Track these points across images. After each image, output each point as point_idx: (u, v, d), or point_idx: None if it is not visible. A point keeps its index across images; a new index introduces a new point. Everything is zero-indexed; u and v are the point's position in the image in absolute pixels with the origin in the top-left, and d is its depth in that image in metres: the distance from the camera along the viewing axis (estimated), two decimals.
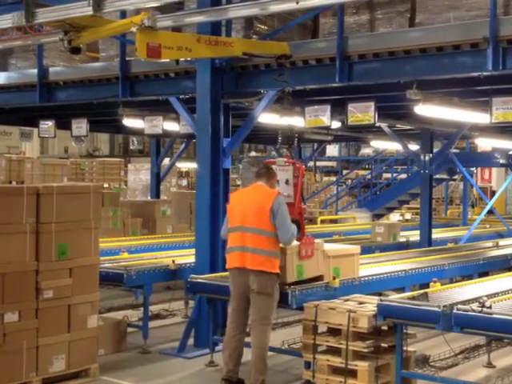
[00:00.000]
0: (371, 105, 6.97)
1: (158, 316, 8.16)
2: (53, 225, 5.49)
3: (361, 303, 5.62)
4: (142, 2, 5.97)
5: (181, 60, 7.38)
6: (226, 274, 6.84)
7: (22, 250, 5.28)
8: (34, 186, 5.69)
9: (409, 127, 10.67)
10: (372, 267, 7.24)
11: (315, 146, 16.93)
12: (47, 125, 10.12)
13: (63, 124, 10.41)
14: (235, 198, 5.94)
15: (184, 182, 23.83)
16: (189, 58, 6.90)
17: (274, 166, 6.13)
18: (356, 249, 6.56)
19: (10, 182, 14.37)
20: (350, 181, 22.58)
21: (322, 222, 13.41)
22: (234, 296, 5.70)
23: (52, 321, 5.47)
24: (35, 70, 8.81)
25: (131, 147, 26.51)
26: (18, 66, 9.33)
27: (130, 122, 10.18)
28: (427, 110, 7.23)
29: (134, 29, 5.68)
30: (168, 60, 7.42)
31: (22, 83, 9.17)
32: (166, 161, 14.30)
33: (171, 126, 10.01)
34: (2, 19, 6.75)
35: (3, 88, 9.38)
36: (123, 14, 7.22)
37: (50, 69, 8.72)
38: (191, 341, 6.94)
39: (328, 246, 6.40)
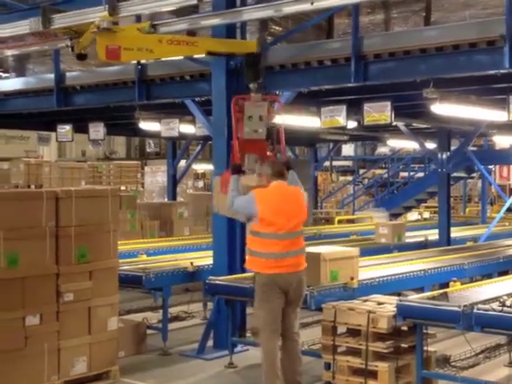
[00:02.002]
0: (387, 104, 6.95)
1: (177, 318, 8.18)
2: (72, 228, 5.53)
3: (380, 303, 5.60)
4: (157, 6, 6.03)
5: (195, 63, 7.45)
6: (245, 275, 6.87)
7: (42, 254, 5.33)
8: (53, 190, 5.73)
9: (426, 126, 10.62)
10: (390, 267, 7.21)
11: (331, 145, 16.90)
12: (65, 129, 10.20)
13: (80, 128, 10.49)
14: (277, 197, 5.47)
15: (200, 184, 23.88)
16: (151, 59, 6.85)
17: (247, 102, 5.99)
18: (355, 251, 6.42)
19: (29, 186, 14.47)
20: (366, 180, 22.50)
21: (339, 222, 13.37)
22: None
23: (73, 323, 5.51)
24: (52, 75, 8.89)
25: (148, 150, 26.62)
26: (35, 71, 9.42)
27: (146, 125, 10.24)
28: (444, 108, 7.20)
29: (94, 31, 5.70)
30: (183, 62, 7.53)
31: (40, 88, 9.25)
32: (182, 163, 14.34)
33: (187, 129, 10.05)
34: (20, 25, 6.84)
35: (21, 93, 9.47)
36: (138, 19, 7.26)
37: (67, 73, 8.79)
38: (210, 342, 6.96)
39: (325, 249, 6.37)
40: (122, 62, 7.53)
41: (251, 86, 6.18)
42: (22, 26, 6.78)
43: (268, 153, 6.10)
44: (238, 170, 5.67)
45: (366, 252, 8.54)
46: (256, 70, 6.26)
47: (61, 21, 6.55)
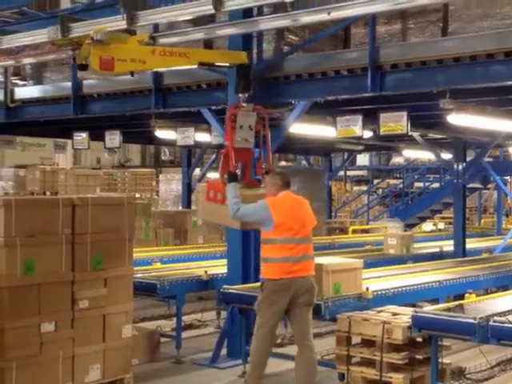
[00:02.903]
0: (404, 114, 6.94)
1: (190, 326, 8.22)
2: (88, 236, 5.55)
3: (395, 314, 5.58)
4: (175, 16, 6.06)
5: (212, 72, 7.48)
6: (259, 284, 6.87)
7: (58, 261, 5.35)
8: (69, 197, 5.75)
9: (441, 136, 10.59)
10: (405, 278, 7.18)
11: (345, 155, 16.88)
12: (81, 136, 10.26)
13: (96, 135, 10.55)
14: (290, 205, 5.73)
15: None
16: (143, 70, 6.92)
17: (239, 112, 6.14)
18: (358, 263, 6.38)
19: (44, 193, 14.57)
20: (380, 190, 22.43)
21: (354, 231, 13.34)
22: None
23: (87, 330, 5.52)
24: (69, 83, 8.96)
25: (163, 158, 26.69)
26: (52, 79, 9.49)
27: (162, 133, 10.28)
28: (460, 119, 7.18)
29: (88, 42, 5.79)
30: (200, 71, 7.56)
31: (57, 96, 9.33)
32: (197, 171, 14.38)
33: (203, 137, 10.08)
34: (38, 34, 6.89)
35: (39, 101, 9.55)
36: (156, 28, 7.31)
37: (84, 81, 8.84)
38: (224, 351, 6.95)
39: (328, 260, 6.35)
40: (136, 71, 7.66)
41: (241, 96, 6.33)
42: (41, 35, 6.84)
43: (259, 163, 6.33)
44: (235, 178, 5.85)
45: (380, 262, 8.53)
46: (246, 81, 6.38)
47: (79, 30, 6.59)
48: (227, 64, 6.56)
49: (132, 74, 6.50)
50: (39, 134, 13.23)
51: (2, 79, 10.22)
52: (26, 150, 23.50)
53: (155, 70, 7.04)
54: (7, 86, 9.66)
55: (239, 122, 6.11)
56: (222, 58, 6.61)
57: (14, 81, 10.04)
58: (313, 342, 5.52)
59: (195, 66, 7.36)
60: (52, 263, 5.31)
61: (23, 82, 10.17)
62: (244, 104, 6.26)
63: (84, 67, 6.16)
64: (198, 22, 6.61)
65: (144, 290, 6.85)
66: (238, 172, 6.10)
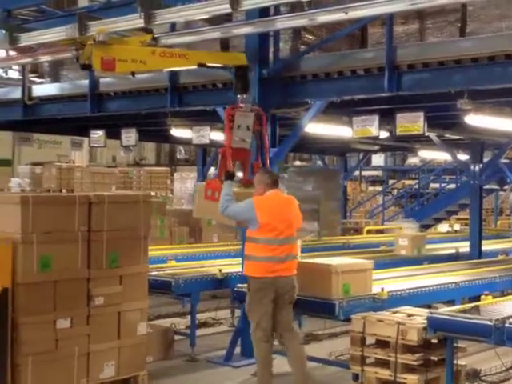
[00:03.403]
0: (420, 115, 6.91)
1: (204, 324, 8.24)
2: (104, 233, 5.57)
3: (409, 315, 5.56)
4: (192, 15, 6.08)
5: (228, 71, 7.48)
6: None
7: (74, 258, 5.37)
8: (86, 194, 5.78)
9: (458, 137, 10.52)
10: (420, 279, 7.15)
11: (360, 155, 16.83)
12: (98, 134, 10.30)
13: (112, 133, 10.59)
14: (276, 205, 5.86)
15: None
16: (143, 70, 6.93)
17: (237, 112, 6.27)
18: (368, 264, 6.35)
19: (60, 190, 14.65)
20: (396, 191, 22.34)
21: (368, 232, 13.30)
22: None
23: (102, 327, 5.54)
24: (86, 81, 9.00)
25: (178, 156, 26.78)
26: (69, 77, 9.55)
27: (178, 131, 10.30)
28: (478, 119, 7.14)
29: (90, 43, 5.92)
30: (215, 71, 7.58)
31: (74, 94, 9.38)
32: (212, 170, 14.38)
33: (218, 136, 10.08)
34: (56, 32, 6.93)
35: (56, 98, 9.61)
36: (173, 27, 7.33)
37: (101, 79, 8.88)
38: (238, 349, 6.95)
39: (337, 261, 6.33)
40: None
41: (239, 96, 6.43)
42: (59, 33, 6.88)
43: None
44: (231, 177, 6.01)
45: (395, 263, 8.50)
46: (244, 82, 6.48)
47: (96, 28, 6.63)
48: (228, 65, 6.67)
49: (133, 74, 6.63)
50: (56, 131, 13.30)
51: (20, 77, 10.30)
52: (42, 147, 23.66)
53: (156, 69, 7.10)
54: (25, 84, 9.72)
55: (237, 122, 6.25)
56: (220, 59, 6.73)
57: (31, 78, 10.12)
58: (297, 332, 5.81)
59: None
60: (68, 260, 5.34)
61: (41, 80, 10.24)
62: (242, 105, 6.36)
63: (87, 67, 6.25)
64: (214, 21, 6.62)
65: (159, 287, 6.88)
66: (236, 171, 6.23)
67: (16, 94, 10.01)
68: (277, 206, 5.80)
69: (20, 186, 14.74)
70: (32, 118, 10.22)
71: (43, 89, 9.78)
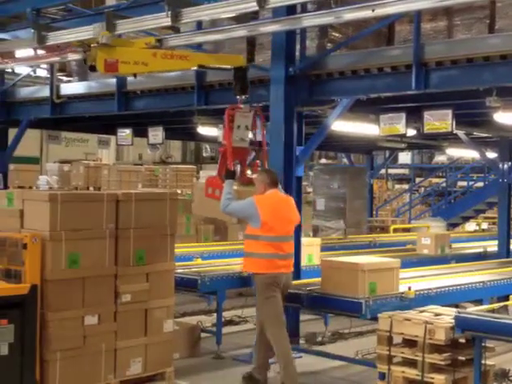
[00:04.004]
0: (449, 113, 6.85)
1: (230, 322, 8.24)
2: (131, 230, 5.61)
3: (437, 315, 5.51)
4: (219, 13, 6.10)
5: (255, 69, 7.49)
6: (299, 281, 6.86)
7: (102, 255, 5.42)
8: (113, 192, 5.83)
9: (487, 135, 10.41)
10: (448, 278, 7.09)
11: (387, 153, 16.73)
12: (125, 133, 10.38)
13: (139, 131, 10.67)
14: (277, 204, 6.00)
15: (253, 189, 23.90)
16: (145, 72, 7.22)
17: (236, 113, 6.41)
18: (395, 263, 6.32)
19: (88, 188, 14.79)
20: (423, 189, 22.16)
21: (395, 230, 13.21)
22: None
23: (130, 324, 5.58)
24: (114, 80, 9.08)
25: (204, 154, 26.82)
26: (97, 76, 9.61)
27: (204, 129, 10.34)
28: (507, 117, 7.05)
29: (93, 45, 6.09)
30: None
31: (102, 92, 9.47)
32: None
33: None
34: (84, 30, 6.99)
35: (84, 97, 9.70)
36: (199, 26, 7.36)
37: (128, 78, 8.95)
38: None
39: (364, 260, 6.29)
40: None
41: (238, 97, 6.54)
42: (87, 32, 6.95)
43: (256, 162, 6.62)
44: (232, 176, 6.17)
45: (422, 262, 8.44)
46: (243, 84, 6.58)
47: (124, 27, 6.69)
48: (228, 66, 6.77)
49: (135, 75, 6.84)
50: (83, 129, 13.44)
51: (48, 75, 10.42)
52: (69, 145, 23.89)
53: (157, 71, 7.40)
54: (53, 82, 9.84)
55: (237, 122, 6.40)
56: (220, 61, 6.85)
57: (59, 77, 10.23)
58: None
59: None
60: (96, 257, 5.38)
61: (68, 78, 10.35)
62: (241, 105, 6.47)
63: (94, 68, 6.39)
64: (241, 19, 6.64)
65: (185, 285, 6.90)
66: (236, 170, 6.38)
67: (44, 92, 10.13)
68: (277, 205, 5.97)
69: (48, 183, 14.90)
70: (60, 117, 10.34)
71: (71, 87, 9.88)
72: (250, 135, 6.49)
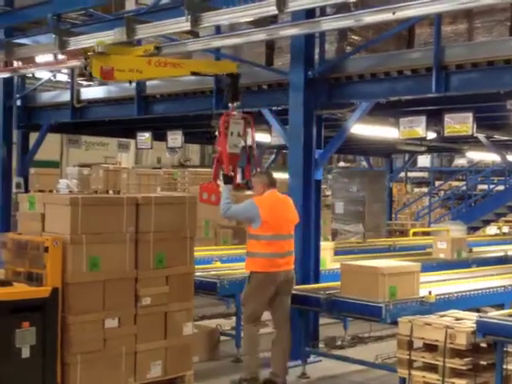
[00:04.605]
0: (469, 115, 6.80)
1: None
2: (151, 234, 5.63)
3: (458, 319, 5.46)
4: (238, 17, 6.11)
5: (274, 72, 7.51)
6: (318, 285, 6.85)
7: (122, 258, 5.45)
8: (133, 196, 5.86)
9: (508, 138, 10.32)
10: (469, 282, 7.03)
11: (406, 156, 16.65)
12: (144, 136, 10.43)
13: (158, 135, 10.72)
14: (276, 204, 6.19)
15: None
16: (140, 79, 7.70)
17: (231, 120, 6.55)
18: (415, 266, 6.29)
19: (107, 192, 14.85)
20: (442, 192, 22.03)
21: (414, 234, 13.13)
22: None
23: (149, 327, 5.60)
24: (133, 84, 9.10)
25: None
26: (116, 80, 9.67)
27: None
28: None
29: (90, 53, 6.26)
30: (261, 72, 7.63)
31: (121, 96, 9.52)
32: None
33: (262, 138, 10.10)
34: (104, 35, 7.06)
35: (103, 101, 9.77)
36: (218, 30, 7.38)
37: (148, 82, 9.00)
38: None
39: (384, 264, 6.26)
40: None
41: (230, 105, 6.68)
42: (107, 37, 7.00)
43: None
44: (230, 181, 6.35)
45: (442, 266, 8.38)
46: (235, 91, 6.73)
47: (144, 31, 6.75)
48: (220, 73, 7.05)
49: (130, 82, 7.02)
50: (103, 133, 13.53)
51: (69, 80, 10.50)
52: (89, 149, 24.02)
53: (151, 78, 7.77)
54: (73, 87, 9.91)
55: (230, 128, 6.55)
56: (211, 67, 7.08)
57: (79, 81, 10.30)
58: (289, 327, 6.18)
59: (257, 67, 7.56)
60: (116, 260, 5.41)
61: (89, 83, 10.41)
62: (234, 112, 6.60)
63: (92, 75, 6.55)
64: (260, 23, 6.65)
65: (204, 288, 6.91)
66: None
67: (65, 97, 10.22)
68: (276, 204, 6.18)
69: (68, 187, 14.99)
70: (80, 121, 10.42)
71: (91, 92, 9.95)
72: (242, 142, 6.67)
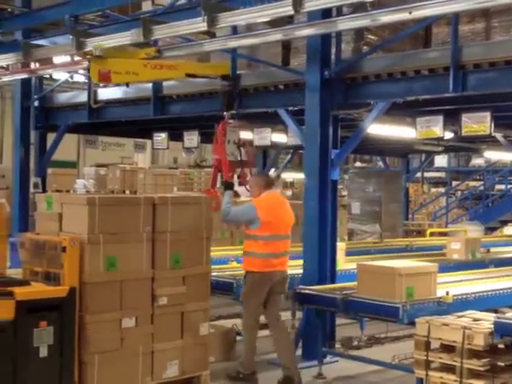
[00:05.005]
0: (487, 115, 6.75)
1: (265, 326, 8.21)
2: (168, 234, 5.65)
3: (476, 320, 5.43)
4: (254, 17, 6.12)
5: (290, 72, 7.50)
6: (335, 285, 6.84)
7: (139, 258, 5.47)
8: (150, 196, 5.88)
9: None
10: (486, 283, 6.99)
11: (423, 156, 16.57)
12: (160, 137, 10.45)
13: (174, 135, 10.74)
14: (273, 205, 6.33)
15: (289, 193, 23.88)
16: (136, 81, 7.76)
17: (228, 128, 6.77)
18: (433, 267, 6.26)
19: (124, 192, 14.93)
20: (459, 192, 21.90)
21: (431, 234, 13.07)
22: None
23: (166, 327, 5.62)
24: (150, 85, 9.15)
25: (238, 158, 26.87)
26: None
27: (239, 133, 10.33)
28: None
29: (88, 57, 6.50)
30: (277, 72, 7.64)
31: (138, 97, 9.55)
32: (271, 171, 14.37)
33: (278, 138, 10.09)
34: (121, 36, 7.08)
35: (120, 102, 9.81)
36: (234, 30, 7.39)
37: (164, 83, 9.02)
38: (299, 351, 6.93)
39: (401, 264, 6.23)
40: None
41: (225, 113, 6.88)
42: (124, 38, 7.03)
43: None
44: (231, 187, 6.55)
45: (459, 266, 8.33)
46: (230, 100, 6.97)
47: (160, 32, 6.77)
48: (215, 75, 7.23)
49: (127, 84, 7.07)
50: (120, 134, 13.59)
51: (86, 81, 10.56)
52: (106, 149, 24.15)
53: (147, 80, 8.00)
54: (90, 88, 9.97)
55: (228, 137, 6.75)
56: (205, 69, 7.28)
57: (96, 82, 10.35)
58: (283, 322, 6.39)
59: (273, 67, 7.57)
60: (133, 260, 5.44)
61: (105, 84, 10.47)
62: (231, 121, 6.79)
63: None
64: (276, 23, 6.65)
65: (220, 288, 6.92)
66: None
67: (82, 97, 10.28)
68: (274, 205, 6.32)
69: (85, 187, 15.08)
70: (97, 121, 10.48)
71: (108, 92, 10.00)
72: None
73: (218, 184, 6.89)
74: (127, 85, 7.32)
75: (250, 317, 6.29)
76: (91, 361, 5.16)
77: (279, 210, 6.34)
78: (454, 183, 21.85)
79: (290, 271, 7.42)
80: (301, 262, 7.29)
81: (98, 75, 6.39)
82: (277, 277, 6.23)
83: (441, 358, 5.37)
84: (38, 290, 4.95)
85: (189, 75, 7.05)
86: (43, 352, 4.84)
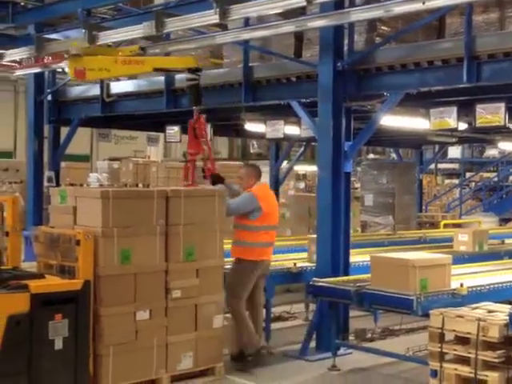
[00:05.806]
0: (501, 106, 6.69)
1: (279, 318, 8.25)
2: (181, 227, 5.67)
3: (490, 312, 5.40)
4: (267, 9, 6.09)
5: (302, 64, 7.47)
6: (348, 277, 6.83)
7: (152, 251, 5.50)
8: (163, 189, 5.90)
9: None
10: (501, 274, 6.95)
11: (436, 147, 16.49)
12: (173, 130, 10.46)
13: (187, 129, 10.71)
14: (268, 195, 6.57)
15: (302, 185, 23.86)
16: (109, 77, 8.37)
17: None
18: (447, 259, 6.22)
19: (137, 185, 14.99)
20: (473, 183, 21.78)
21: (445, 226, 13.00)
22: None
23: (180, 319, 5.65)
24: (162, 78, 9.15)
25: (251, 151, 26.88)
26: (145, 74, 9.72)
27: (251, 126, 10.34)
28: None
29: (65, 55, 6.70)
30: (289, 64, 7.62)
31: (150, 90, 9.56)
32: (284, 164, 14.38)
33: (291, 130, 10.08)
34: (133, 29, 7.09)
35: (133, 95, 9.82)
36: (246, 23, 7.37)
37: (177, 76, 9.01)
38: (312, 344, 6.94)
39: (415, 256, 6.20)
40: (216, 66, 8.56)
41: (194, 108, 7.00)
42: (136, 31, 7.04)
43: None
44: (221, 180, 6.70)
45: (473, 258, 8.29)
46: (196, 94, 7.05)
47: (173, 25, 6.76)
48: (179, 68, 7.33)
49: (102, 81, 7.79)
50: (133, 127, 13.60)
51: None
52: (119, 143, 24.21)
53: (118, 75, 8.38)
54: (103, 81, 9.98)
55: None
56: (173, 63, 7.39)
57: None
58: (261, 305, 6.68)
59: (285, 59, 7.55)
60: (147, 253, 5.46)
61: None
62: (203, 115, 6.97)
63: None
64: (288, 15, 6.62)
65: None
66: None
67: (95, 91, 10.29)
68: (269, 196, 6.56)
69: (98, 180, 15.16)
70: (110, 115, 10.49)
71: (121, 86, 10.01)
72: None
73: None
74: (102, 81, 7.75)
75: (239, 300, 6.36)
76: (106, 353, 5.21)
77: (272, 201, 6.57)
78: (468, 174, 21.75)
79: (304, 264, 7.53)
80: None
81: (74, 72, 6.65)
82: (265, 265, 6.49)
83: (455, 349, 5.34)
84: (52, 284, 5.00)
85: (157, 69, 7.27)
86: (58, 344, 4.89)
